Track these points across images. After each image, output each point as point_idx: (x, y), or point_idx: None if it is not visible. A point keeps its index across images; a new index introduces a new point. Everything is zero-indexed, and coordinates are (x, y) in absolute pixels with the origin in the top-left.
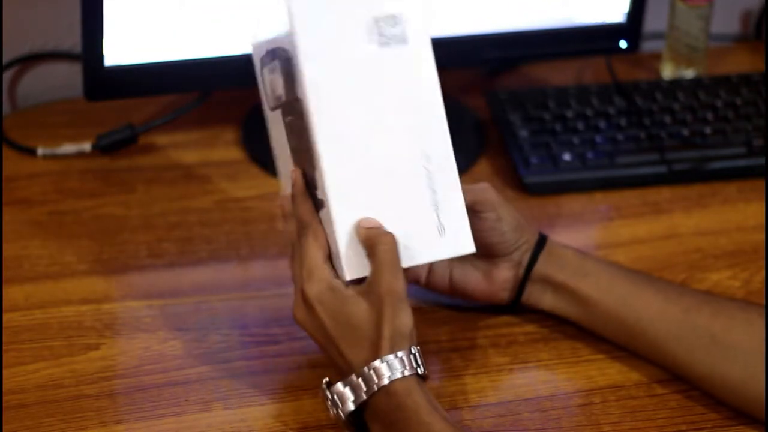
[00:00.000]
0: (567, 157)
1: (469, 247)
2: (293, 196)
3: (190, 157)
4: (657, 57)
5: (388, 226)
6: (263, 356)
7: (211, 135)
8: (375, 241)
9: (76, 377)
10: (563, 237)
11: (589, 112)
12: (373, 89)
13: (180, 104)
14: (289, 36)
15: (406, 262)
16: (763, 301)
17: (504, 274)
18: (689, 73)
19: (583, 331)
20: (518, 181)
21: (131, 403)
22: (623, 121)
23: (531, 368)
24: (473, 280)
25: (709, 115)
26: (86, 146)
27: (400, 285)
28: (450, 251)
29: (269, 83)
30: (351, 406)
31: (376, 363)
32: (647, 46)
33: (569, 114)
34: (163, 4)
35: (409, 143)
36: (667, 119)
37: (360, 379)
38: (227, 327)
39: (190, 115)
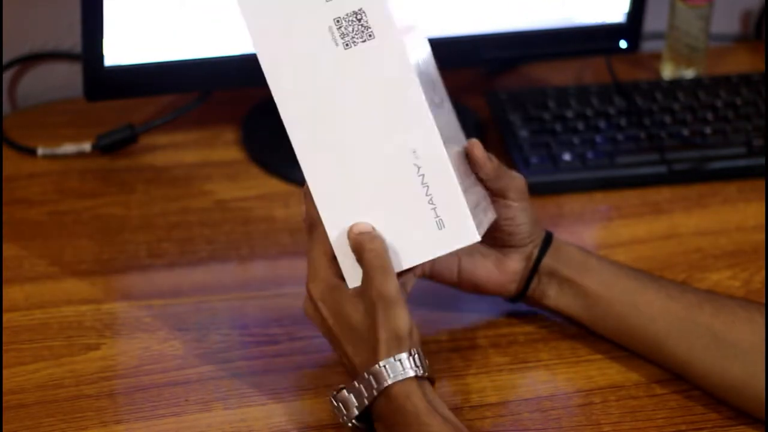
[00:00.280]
0: (567, 157)
1: (472, 236)
2: (304, 194)
3: (190, 157)
4: (657, 57)
5: (383, 229)
6: (263, 356)
7: (211, 135)
8: (362, 247)
9: (76, 377)
10: (563, 237)
11: (589, 112)
12: (346, 92)
13: (180, 104)
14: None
15: (409, 261)
16: (764, 301)
17: (515, 266)
18: (689, 73)
19: (583, 331)
20: None
21: (131, 403)
22: (623, 121)
23: (531, 368)
24: (483, 270)
25: (709, 115)
26: (86, 146)
27: (390, 288)
28: (452, 244)
29: None
30: (355, 412)
31: (375, 367)
32: (647, 46)
33: (569, 114)
34: (163, 4)
35: (393, 141)
36: (667, 119)
37: (361, 385)
38: (227, 327)
39: (190, 115)
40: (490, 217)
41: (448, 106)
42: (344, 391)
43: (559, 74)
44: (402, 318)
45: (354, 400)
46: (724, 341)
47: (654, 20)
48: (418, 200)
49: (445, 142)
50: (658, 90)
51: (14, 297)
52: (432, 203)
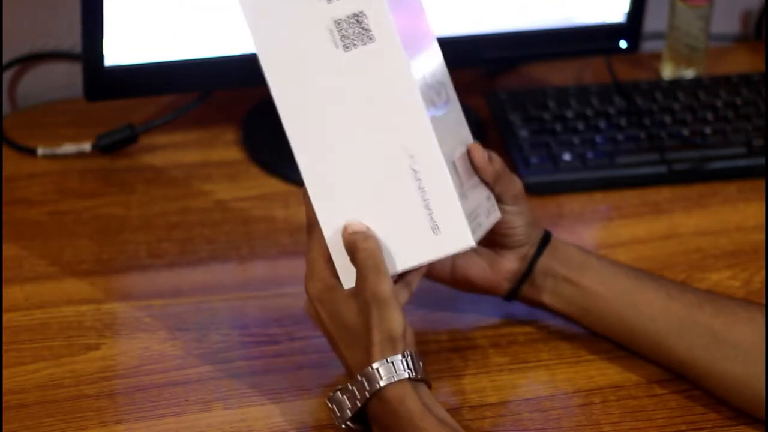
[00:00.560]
0: (567, 157)
1: (466, 242)
2: (303, 194)
3: (190, 157)
4: (657, 57)
5: (378, 230)
6: (263, 356)
7: (211, 135)
8: (355, 247)
9: (76, 377)
10: (563, 237)
11: (589, 112)
12: (344, 94)
13: (180, 104)
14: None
15: (402, 265)
16: (764, 301)
17: (509, 266)
18: (689, 73)
19: (583, 331)
20: None
21: (131, 403)
22: (623, 121)
23: (531, 368)
24: (477, 268)
25: (709, 115)
26: (86, 146)
27: (384, 288)
28: (446, 249)
29: None
30: (348, 414)
31: (368, 369)
32: (647, 46)
33: (569, 114)
34: (163, 4)
35: (391, 144)
36: (667, 119)
37: (354, 387)
38: (227, 327)
39: (190, 115)
40: (492, 218)
41: (455, 105)
42: (338, 392)
43: (559, 74)
44: (395, 319)
45: (347, 402)
46: (725, 341)
47: (654, 20)
48: (414, 203)
49: (447, 145)
50: (658, 90)
51: (14, 297)
52: (428, 208)
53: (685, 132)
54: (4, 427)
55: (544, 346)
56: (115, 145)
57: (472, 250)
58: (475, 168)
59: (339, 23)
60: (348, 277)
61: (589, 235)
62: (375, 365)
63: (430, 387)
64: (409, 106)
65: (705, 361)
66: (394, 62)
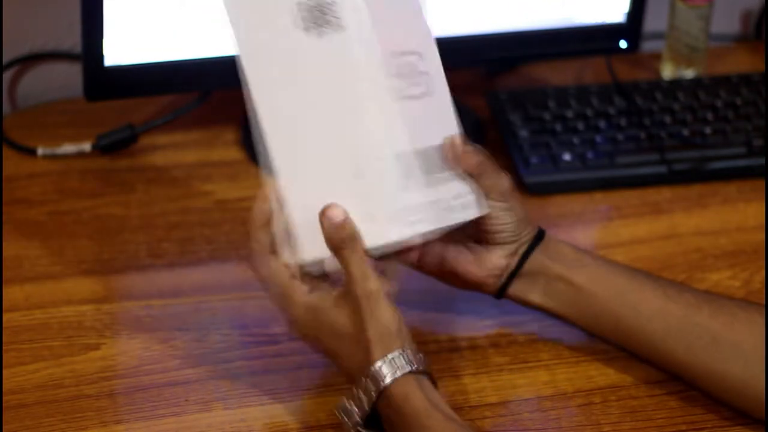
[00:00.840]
0: (567, 157)
1: (396, 234)
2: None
3: (190, 157)
4: (657, 57)
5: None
6: (263, 356)
7: (211, 135)
8: (339, 244)
9: (76, 377)
10: (563, 237)
11: (589, 112)
12: (319, 79)
13: (180, 104)
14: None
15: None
16: (763, 301)
17: (496, 261)
18: (689, 73)
19: (582, 331)
20: (518, 181)
21: (131, 403)
22: (623, 121)
23: (531, 368)
24: (465, 263)
25: (709, 115)
26: (86, 146)
27: (372, 285)
28: (376, 240)
29: None
30: (357, 419)
31: (371, 369)
32: (647, 46)
33: (569, 114)
34: (163, 4)
35: (351, 129)
36: (667, 119)
37: (359, 390)
38: (227, 327)
39: (190, 115)
40: (471, 212)
41: (440, 99)
42: (344, 400)
43: (559, 74)
44: (388, 313)
45: (354, 407)
46: (724, 342)
47: (654, 20)
48: (365, 190)
49: (409, 134)
50: (658, 90)
51: (14, 297)
52: (372, 195)
53: (685, 132)
54: (4, 427)
55: (544, 346)
56: (115, 145)
57: (464, 246)
58: (450, 159)
59: (311, 10)
60: (312, 248)
61: (589, 235)
62: (377, 364)
63: (434, 379)
64: (372, 92)
65: (704, 362)
66: (363, 48)
